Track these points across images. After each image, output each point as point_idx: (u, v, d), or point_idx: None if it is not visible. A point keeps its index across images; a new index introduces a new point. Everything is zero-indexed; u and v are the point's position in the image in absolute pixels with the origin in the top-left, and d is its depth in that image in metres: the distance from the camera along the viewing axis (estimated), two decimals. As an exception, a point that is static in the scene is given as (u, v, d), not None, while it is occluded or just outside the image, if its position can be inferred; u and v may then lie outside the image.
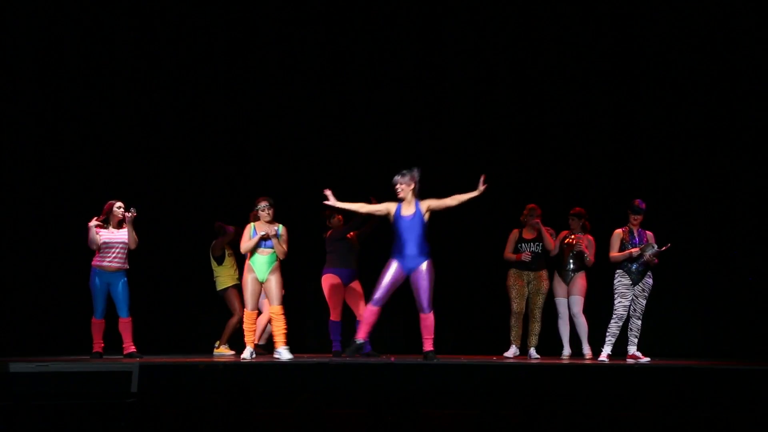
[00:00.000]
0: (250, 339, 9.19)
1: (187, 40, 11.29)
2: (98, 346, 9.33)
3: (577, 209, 9.91)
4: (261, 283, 9.14)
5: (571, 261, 9.87)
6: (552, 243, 9.87)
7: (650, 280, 9.19)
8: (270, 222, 9.15)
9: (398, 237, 8.71)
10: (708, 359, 9.52)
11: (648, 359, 9.07)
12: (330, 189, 8.70)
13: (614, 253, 9.21)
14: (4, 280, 10.53)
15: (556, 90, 11.12)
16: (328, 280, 9.82)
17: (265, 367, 8.48)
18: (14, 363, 7.90)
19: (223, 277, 10.35)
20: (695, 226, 10.64)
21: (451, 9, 11.26)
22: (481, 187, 8.59)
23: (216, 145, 11.40)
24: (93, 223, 9.31)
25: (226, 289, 10.29)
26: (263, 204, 9.13)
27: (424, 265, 8.68)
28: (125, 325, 9.39)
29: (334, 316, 9.83)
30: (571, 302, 9.90)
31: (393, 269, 8.69)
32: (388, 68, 11.34)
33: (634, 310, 9.17)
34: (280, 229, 9.16)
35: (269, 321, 10.10)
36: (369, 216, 9.45)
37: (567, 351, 9.95)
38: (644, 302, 9.17)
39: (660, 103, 10.89)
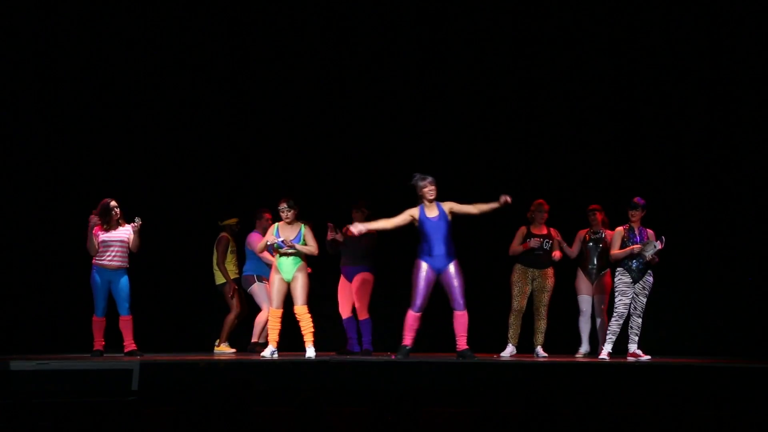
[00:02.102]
0: (274, 338, 9.14)
1: (188, 39, 11.28)
2: (99, 344, 9.33)
3: (594, 206, 9.79)
4: (287, 283, 9.16)
5: (595, 259, 9.77)
6: (572, 251, 9.81)
7: (651, 278, 9.19)
8: (290, 223, 9.18)
9: (426, 238, 8.78)
10: (708, 358, 9.52)
11: (648, 357, 9.06)
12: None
13: (615, 251, 9.22)
14: (5, 278, 10.53)
15: (562, 87, 11.09)
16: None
17: (266, 365, 8.50)
18: (15, 361, 7.91)
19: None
20: (696, 225, 10.64)
21: (455, 4, 11.27)
22: (501, 201, 8.69)
23: (217, 143, 11.39)
24: (94, 221, 9.29)
25: (224, 284, 10.29)
26: (283, 206, 9.18)
27: (452, 265, 8.78)
28: (126, 323, 9.39)
29: (344, 314, 9.86)
30: (597, 301, 9.79)
31: (424, 271, 8.77)
32: (394, 64, 11.33)
33: (635, 308, 9.17)
34: (303, 229, 9.18)
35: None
36: None
37: (585, 348, 9.79)
38: (645, 300, 9.17)
39: (662, 101, 10.88)
